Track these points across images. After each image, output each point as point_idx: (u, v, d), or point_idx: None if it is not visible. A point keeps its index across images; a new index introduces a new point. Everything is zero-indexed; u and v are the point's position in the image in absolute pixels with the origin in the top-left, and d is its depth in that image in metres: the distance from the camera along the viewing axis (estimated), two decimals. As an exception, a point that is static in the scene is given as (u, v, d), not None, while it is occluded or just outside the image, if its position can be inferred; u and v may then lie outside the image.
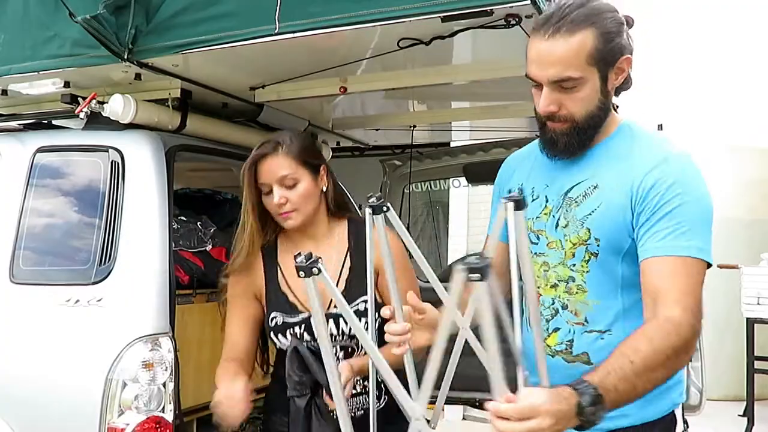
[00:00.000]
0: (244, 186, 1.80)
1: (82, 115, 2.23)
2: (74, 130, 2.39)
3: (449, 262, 6.11)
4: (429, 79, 2.28)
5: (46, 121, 2.58)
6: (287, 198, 1.76)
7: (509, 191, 1.48)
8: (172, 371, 1.98)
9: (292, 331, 1.78)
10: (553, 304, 1.48)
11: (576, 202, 1.45)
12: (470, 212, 7.58)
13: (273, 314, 1.80)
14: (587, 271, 1.43)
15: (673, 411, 1.48)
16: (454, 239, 7.68)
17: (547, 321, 1.49)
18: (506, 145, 3.20)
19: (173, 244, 2.16)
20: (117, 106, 2.13)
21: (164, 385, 1.97)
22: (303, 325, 1.78)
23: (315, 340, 1.74)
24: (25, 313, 2.17)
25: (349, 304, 1.68)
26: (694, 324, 1.27)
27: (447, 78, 2.31)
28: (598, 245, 1.41)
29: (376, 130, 3.36)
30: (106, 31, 1.91)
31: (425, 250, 8.78)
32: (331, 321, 1.75)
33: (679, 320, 1.26)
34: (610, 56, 1.38)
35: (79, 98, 2.28)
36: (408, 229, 3.58)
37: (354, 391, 1.80)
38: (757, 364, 4.64)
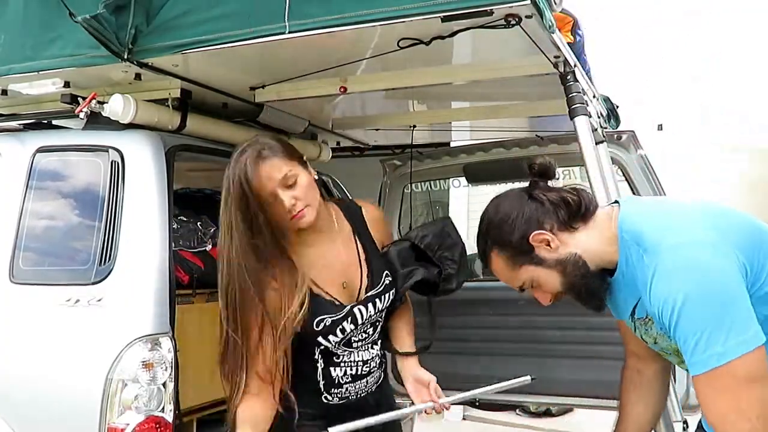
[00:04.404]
0: (239, 212, 1.65)
1: (82, 115, 2.22)
2: (74, 130, 2.38)
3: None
4: (429, 79, 2.28)
5: (46, 121, 2.57)
6: (296, 197, 1.69)
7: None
8: (172, 371, 1.98)
9: (341, 327, 1.78)
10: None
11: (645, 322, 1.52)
12: (470, 212, 7.58)
13: (319, 317, 1.75)
14: None
15: None
16: (454, 239, 7.68)
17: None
18: (506, 145, 3.20)
19: (173, 244, 2.16)
20: (117, 106, 2.13)
21: (164, 385, 1.97)
22: (349, 318, 1.80)
23: (356, 328, 1.81)
24: (25, 313, 2.17)
25: (376, 283, 1.84)
26: None
27: (447, 78, 2.30)
28: None
29: (376, 130, 3.36)
30: (106, 31, 1.91)
31: (425, 250, 8.77)
32: (363, 307, 1.82)
33: None
34: (521, 251, 1.52)
35: (79, 98, 2.28)
36: (409, 229, 3.59)
37: (375, 368, 1.90)
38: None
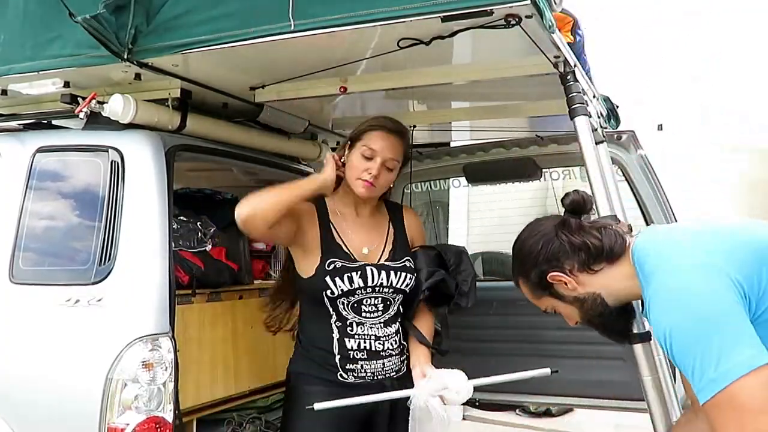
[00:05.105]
0: (353, 145, 2.04)
1: (81, 115, 2.22)
2: (74, 130, 2.38)
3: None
4: (429, 79, 2.28)
5: (46, 121, 2.57)
6: (380, 175, 2.00)
7: None
8: (172, 371, 1.98)
9: (349, 276, 1.96)
10: None
11: None
12: (470, 212, 7.59)
13: (331, 259, 1.97)
14: None
15: None
16: (454, 239, 7.69)
17: None
18: (506, 145, 3.19)
19: (173, 244, 2.16)
20: (117, 106, 2.13)
21: (164, 385, 1.97)
22: (359, 272, 1.98)
23: (367, 287, 1.98)
24: (25, 313, 2.17)
25: (396, 259, 2.06)
26: None
27: (447, 78, 2.30)
28: None
29: (377, 130, 3.35)
30: (106, 31, 1.90)
31: (425, 250, 8.77)
32: (375, 270, 2.00)
33: None
34: (540, 286, 1.60)
35: (79, 98, 2.27)
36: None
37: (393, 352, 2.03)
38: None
